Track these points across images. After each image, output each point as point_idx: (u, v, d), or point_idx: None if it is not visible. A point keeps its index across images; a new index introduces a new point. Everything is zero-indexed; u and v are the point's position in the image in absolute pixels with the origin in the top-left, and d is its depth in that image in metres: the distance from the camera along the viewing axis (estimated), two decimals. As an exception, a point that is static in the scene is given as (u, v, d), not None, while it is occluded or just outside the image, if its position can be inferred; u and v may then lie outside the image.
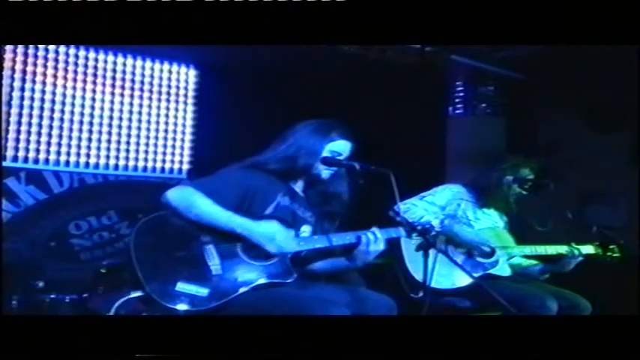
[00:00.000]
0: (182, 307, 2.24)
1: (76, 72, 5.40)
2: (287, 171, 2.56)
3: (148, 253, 2.28)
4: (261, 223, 2.42)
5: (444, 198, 3.41)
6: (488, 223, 3.46)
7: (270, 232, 2.41)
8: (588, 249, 3.32)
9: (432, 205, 3.34)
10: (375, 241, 2.47)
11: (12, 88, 5.12)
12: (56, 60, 5.32)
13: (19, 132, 5.16)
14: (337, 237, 2.52)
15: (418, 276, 2.91)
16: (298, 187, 2.65)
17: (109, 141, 5.54)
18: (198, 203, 2.36)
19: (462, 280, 3.16)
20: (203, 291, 2.27)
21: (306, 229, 2.60)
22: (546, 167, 3.56)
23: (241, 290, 2.33)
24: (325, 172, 2.58)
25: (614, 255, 3.29)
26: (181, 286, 2.25)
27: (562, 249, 3.31)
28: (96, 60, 5.50)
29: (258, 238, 2.39)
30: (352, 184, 2.62)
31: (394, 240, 2.64)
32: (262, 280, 2.37)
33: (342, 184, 2.62)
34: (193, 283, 2.27)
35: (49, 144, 5.27)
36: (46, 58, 5.27)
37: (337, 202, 2.63)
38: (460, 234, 3.30)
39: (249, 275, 2.36)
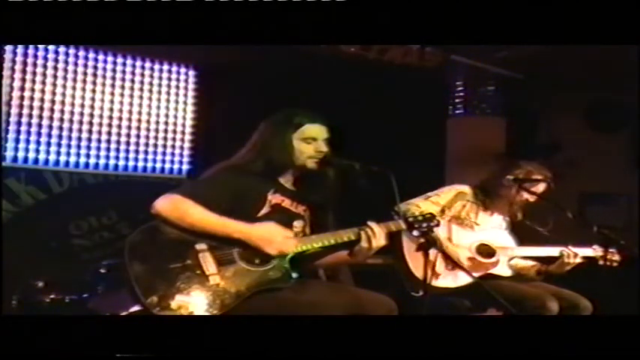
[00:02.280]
0: None
1: (75, 72, 5.40)
2: (269, 170, 2.53)
3: (144, 267, 2.24)
4: (257, 225, 2.37)
5: (448, 198, 3.41)
6: (491, 225, 3.46)
7: (268, 234, 2.35)
8: (587, 252, 3.32)
9: (437, 206, 3.34)
10: (374, 235, 2.45)
11: (12, 88, 5.12)
12: (56, 60, 5.32)
13: (19, 132, 5.16)
14: (336, 235, 2.50)
15: (419, 274, 2.91)
16: (288, 181, 2.61)
17: (108, 141, 5.54)
18: (190, 212, 2.31)
19: (463, 279, 3.16)
20: (203, 302, 2.25)
21: (298, 225, 2.56)
22: (546, 168, 3.56)
23: (242, 298, 2.29)
24: (309, 162, 2.53)
25: (614, 259, 3.28)
26: (180, 299, 2.23)
27: (562, 251, 3.31)
28: (96, 60, 5.50)
29: (257, 241, 2.34)
30: (337, 169, 2.59)
31: (395, 235, 2.61)
32: (261, 286, 2.34)
33: (327, 169, 2.59)
34: (192, 294, 2.24)
35: (49, 144, 5.27)
36: (46, 58, 5.27)
37: (326, 189, 2.59)
38: (462, 235, 3.31)
39: (248, 281, 2.32)
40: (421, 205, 3.26)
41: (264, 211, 2.47)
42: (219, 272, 2.30)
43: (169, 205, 2.33)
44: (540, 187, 3.41)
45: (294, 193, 2.59)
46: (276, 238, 2.36)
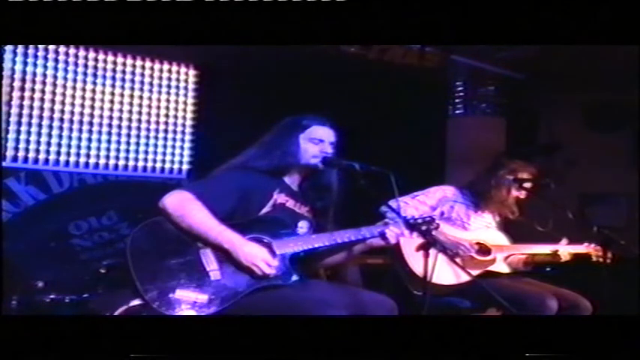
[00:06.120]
0: (182, 314, 2.22)
1: (76, 72, 5.40)
2: (275, 169, 2.55)
3: (145, 261, 2.25)
4: (246, 244, 2.35)
5: (435, 198, 3.43)
6: (482, 224, 3.48)
7: (251, 256, 2.33)
8: (580, 249, 3.35)
9: (423, 205, 3.36)
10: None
11: (12, 88, 5.13)
12: (56, 60, 5.32)
13: (19, 132, 5.16)
14: (338, 235, 2.50)
15: (419, 273, 2.91)
16: (293, 182, 2.63)
17: (109, 141, 5.54)
18: (192, 213, 2.31)
19: (463, 276, 3.16)
20: (202, 297, 2.25)
21: (303, 225, 2.58)
22: (546, 168, 3.56)
23: (241, 295, 2.30)
24: (313, 161, 2.55)
25: (608, 257, 3.30)
26: (180, 294, 2.23)
27: (553, 250, 3.33)
28: (96, 60, 5.51)
29: (241, 258, 2.32)
30: (341, 173, 2.60)
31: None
32: (262, 283, 2.34)
33: (331, 173, 2.61)
34: (192, 289, 2.25)
35: (49, 144, 5.28)
36: (46, 58, 5.27)
37: (329, 193, 2.61)
38: (452, 235, 3.31)
39: (248, 278, 2.33)
40: (409, 203, 3.29)
41: (267, 209, 2.48)
42: (220, 268, 2.32)
43: (177, 202, 2.34)
44: (536, 186, 3.44)
45: (298, 194, 2.61)
46: (259, 263, 2.33)
